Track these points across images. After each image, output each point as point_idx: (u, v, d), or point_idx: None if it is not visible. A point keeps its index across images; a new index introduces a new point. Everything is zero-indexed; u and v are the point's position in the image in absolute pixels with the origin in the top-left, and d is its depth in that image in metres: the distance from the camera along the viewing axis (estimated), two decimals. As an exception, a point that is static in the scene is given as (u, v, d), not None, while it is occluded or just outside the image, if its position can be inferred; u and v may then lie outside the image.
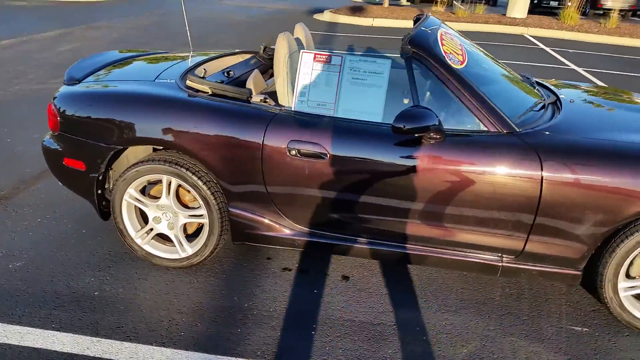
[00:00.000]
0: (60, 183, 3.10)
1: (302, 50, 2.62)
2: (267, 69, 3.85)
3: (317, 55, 2.60)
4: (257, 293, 2.76)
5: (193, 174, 2.68)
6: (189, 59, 3.41)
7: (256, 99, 2.69)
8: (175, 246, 2.93)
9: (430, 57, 2.52)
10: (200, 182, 2.68)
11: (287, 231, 2.73)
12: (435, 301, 2.76)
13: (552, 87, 3.24)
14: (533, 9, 18.53)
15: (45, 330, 2.42)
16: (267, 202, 2.68)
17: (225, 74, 3.20)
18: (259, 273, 2.93)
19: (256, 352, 2.35)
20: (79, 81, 3.00)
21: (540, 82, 3.39)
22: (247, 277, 2.89)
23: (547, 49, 11.15)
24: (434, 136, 2.37)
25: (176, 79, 2.89)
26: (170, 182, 2.76)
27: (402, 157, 2.43)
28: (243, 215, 2.74)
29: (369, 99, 2.54)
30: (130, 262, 2.99)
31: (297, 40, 3.49)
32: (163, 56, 3.64)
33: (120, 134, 2.71)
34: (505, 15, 15.36)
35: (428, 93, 3.04)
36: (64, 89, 2.95)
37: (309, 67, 2.61)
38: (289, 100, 2.69)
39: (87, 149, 2.81)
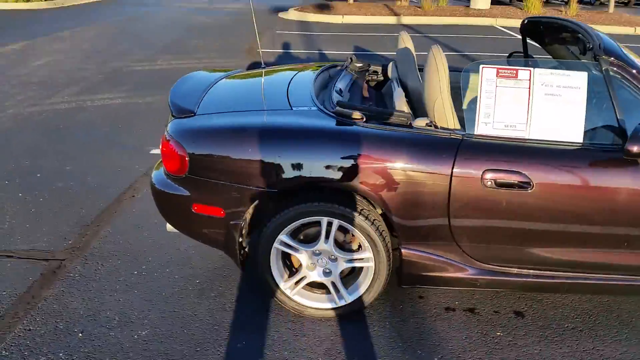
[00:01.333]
0: (180, 232, 2.65)
1: (482, 65, 2.32)
2: (374, 84, 3.53)
3: (500, 70, 2.31)
4: (434, 341, 2.45)
5: (359, 213, 2.33)
6: (292, 79, 3.01)
7: (420, 123, 2.37)
8: (326, 294, 2.57)
9: (629, 67, 2.30)
10: (367, 222, 2.34)
11: (470, 270, 2.43)
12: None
13: None
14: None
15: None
16: (448, 239, 2.37)
17: (338, 93, 2.85)
18: (424, 316, 2.62)
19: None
20: (194, 113, 2.56)
21: None
22: (411, 321, 2.57)
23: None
24: None
25: (317, 105, 2.52)
26: (330, 224, 2.40)
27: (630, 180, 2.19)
28: (418, 256, 2.42)
29: (566, 117, 2.28)
30: (278, 317, 2.59)
31: (407, 50, 3.18)
32: (252, 74, 3.23)
33: (273, 174, 2.31)
34: (469, 7, 15.53)
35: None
36: (181, 123, 2.51)
37: (492, 83, 2.31)
38: (453, 122, 2.38)
39: (228, 193, 2.40)
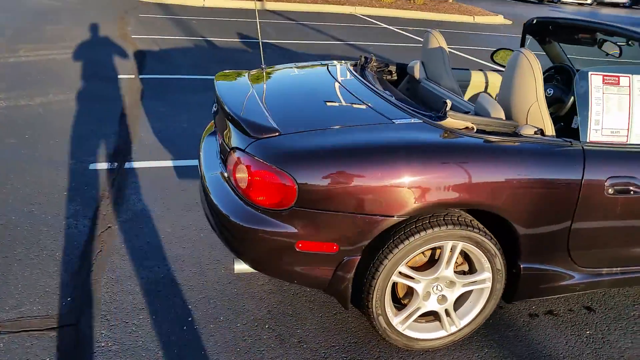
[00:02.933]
0: (267, 274, 2.20)
1: (590, 72, 2.30)
2: (398, 84, 3.32)
3: (605, 77, 2.31)
4: (545, 352, 2.42)
5: (485, 233, 2.18)
6: (338, 83, 2.70)
7: (528, 131, 2.28)
8: (431, 322, 2.38)
9: None
10: (492, 243, 2.20)
11: (575, 277, 2.43)
12: (677, 309, 2.79)
13: None
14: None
15: None
16: (563, 249, 2.33)
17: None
18: (517, 326, 2.56)
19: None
20: (279, 132, 2.13)
21: None
22: (509, 334, 2.50)
23: (394, 28, 11.87)
24: None
25: (419, 116, 2.26)
26: (453, 248, 2.19)
27: None
28: (536, 269, 2.34)
29: None
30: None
31: (440, 50, 3.05)
32: (280, 78, 2.82)
33: (399, 199, 2.03)
34: (325, -6, 15.75)
35: None
36: (276, 146, 2.07)
37: (600, 90, 2.31)
38: (551, 129, 2.33)
39: (344, 226, 2.05)
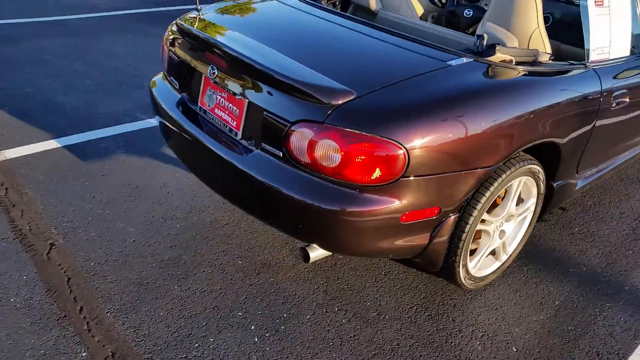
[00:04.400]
0: (361, 255, 1.98)
1: (587, -3, 2.44)
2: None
3: (597, 1, 2.49)
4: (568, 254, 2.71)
5: (539, 164, 2.28)
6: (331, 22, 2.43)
7: (544, 58, 2.38)
8: (487, 257, 2.46)
9: None
10: (542, 171, 2.32)
11: (578, 183, 2.71)
12: None
13: None
14: None
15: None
16: (577, 161, 2.56)
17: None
18: (542, 240, 2.80)
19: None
20: (354, 94, 1.85)
21: None
22: (533, 250, 2.73)
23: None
24: None
25: (466, 54, 2.16)
26: (518, 184, 2.26)
27: None
28: (561, 186, 2.55)
29: (623, 33, 2.67)
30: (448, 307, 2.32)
31: None
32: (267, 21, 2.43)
33: (490, 147, 1.97)
34: None
35: None
36: (365, 111, 1.79)
37: (593, 12, 2.48)
38: (547, 48, 2.47)
39: (445, 186, 1.92)
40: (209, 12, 2.59)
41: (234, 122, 2.12)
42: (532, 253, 2.69)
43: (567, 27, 3.48)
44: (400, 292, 2.35)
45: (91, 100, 3.86)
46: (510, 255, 2.49)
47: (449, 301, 2.33)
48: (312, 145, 1.82)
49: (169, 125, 2.39)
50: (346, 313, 2.21)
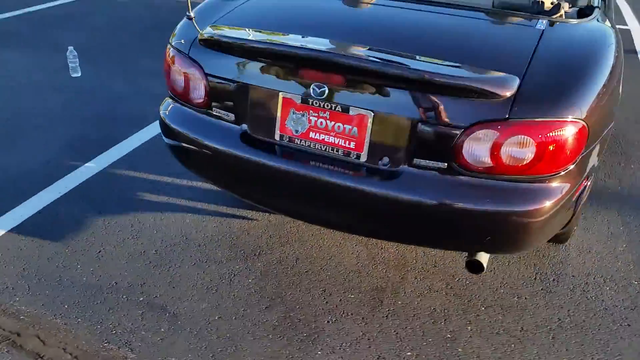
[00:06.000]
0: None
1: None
2: None
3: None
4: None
5: None
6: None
7: (566, 7, 2.42)
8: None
9: None
10: None
11: None
12: None
13: None
14: None
15: None
16: None
17: None
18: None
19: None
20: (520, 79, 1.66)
21: None
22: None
23: None
24: None
25: (539, 16, 2.06)
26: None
27: None
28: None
29: None
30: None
31: None
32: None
33: (611, 112, 1.98)
34: None
35: None
36: (544, 97, 1.65)
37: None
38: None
39: (594, 156, 1.90)
40: (231, 18, 2.05)
41: (351, 143, 1.79)
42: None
43: None
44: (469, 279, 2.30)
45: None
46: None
47: (522, 264, 2.35)
48: (497, 146, 1.62)
49: (227, 166, 1.96)
50: (450, 304, 2.09)
